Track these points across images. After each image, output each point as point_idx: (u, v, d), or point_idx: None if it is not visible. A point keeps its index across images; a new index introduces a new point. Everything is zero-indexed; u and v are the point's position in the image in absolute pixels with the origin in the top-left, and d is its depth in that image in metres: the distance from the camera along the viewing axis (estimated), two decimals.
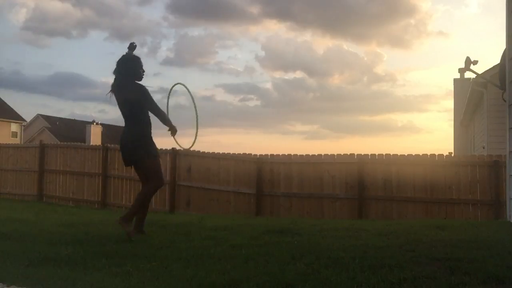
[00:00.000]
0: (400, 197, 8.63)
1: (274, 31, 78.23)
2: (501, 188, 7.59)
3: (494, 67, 9.80)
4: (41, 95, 76.18)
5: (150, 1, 78.31)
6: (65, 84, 76.48)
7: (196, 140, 4.67)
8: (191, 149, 4.96)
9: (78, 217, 7.06)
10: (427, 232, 4.44)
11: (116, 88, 4.46)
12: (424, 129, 69.04)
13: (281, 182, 9.61)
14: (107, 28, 78.15)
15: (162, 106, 4.63)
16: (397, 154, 8.98)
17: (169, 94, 4.88)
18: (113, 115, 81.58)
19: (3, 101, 39.05)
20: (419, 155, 8.79)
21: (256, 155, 10.01)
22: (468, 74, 13.40)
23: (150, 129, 4.50)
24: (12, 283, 2.59)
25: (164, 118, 4.51)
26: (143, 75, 4.55)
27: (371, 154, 9.13)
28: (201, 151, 10.57)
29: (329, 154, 9.44)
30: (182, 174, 10.61)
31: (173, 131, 4.54)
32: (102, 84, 78.52)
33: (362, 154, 9.18)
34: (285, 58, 74.89)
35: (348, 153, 9.29)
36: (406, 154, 8.91)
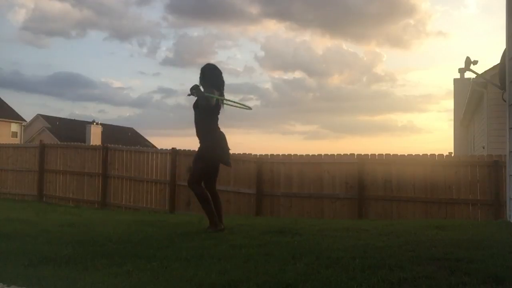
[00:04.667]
0: (400, 197, 8.63)
1: (274, 31, 78.36)
2: (501, 188, 7.59)
3: (494, 67, 9.80)
4: (41, 95, 76.20)
5: (149, 1, 78.41)
6: (64, 84, 76.56)
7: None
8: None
9: (78, 217, 7.06)
10: (427, 232, 4.43)
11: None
12: (424, 129, 69.17)
13: (281, 182, 9.61)
14: (107, 28, 78.27)
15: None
16: (397, 154, 8.99)
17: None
18: (113, 115, 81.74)
19: (3, 101, 39.06)
20: (419, 155, 8.80)
21: (256, 155, 10.02)
22: (468, 74, 13.42)
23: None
24: (12, 283, 2.59)
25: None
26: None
27: (371, 154, 9.14)
28: None
29: (329, 154, 9.45)
30: (182, 174, 10.60)
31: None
32: (102, 84, 78.69)
33: (362, 154, 9.19)
34: (284, 58, 75.00)
35: (348, 153, 9.29)
36: (406, 154, 8.91)
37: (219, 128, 4.78)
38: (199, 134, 4.72)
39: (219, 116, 4.78)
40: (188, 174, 4.97)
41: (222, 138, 4.77)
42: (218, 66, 4.91)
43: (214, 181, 4.91)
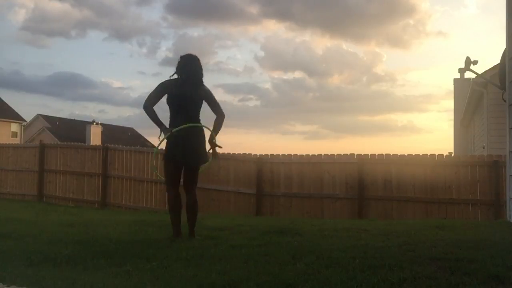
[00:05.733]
0: (400, 197, 8.63)
1: (274, 31, 78.38)
2: (501, 188, 7.58)
3: (494, 67, 9.80)
4: (40, 95, 76.23)
5: (149, 2, 78.41)
6: (64, 84, 76.59)
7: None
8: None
9: (78, 217, 7.07)
10: (427, 232, 4.44)
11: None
12: (424, 129, 69.16)
13: (281, 182, 9.61)
14: (106, 28, 78.29)
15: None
16: (397, 154, 8.98)
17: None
18: (113, 115, 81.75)
19: (3, 101, 39.02)
20: (419, 155, 8.80)
21: (256, 155, 10.01)
22: (468, 74, 13.41)
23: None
24: (12, 283, 2.59)
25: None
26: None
27: (371, 154, 9.13)
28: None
29: (329, 154, 9.45)
30: None
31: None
32: (102, 84, 78.70)
33: (362, 154, 9.19)
34: (284, 58, 75.00)
35: (348, 153, 9.29)
36: (406, 154, 8.91)
37: (183, 121, 4.17)
38: None
39: (180, 107, 4.22)
40: None
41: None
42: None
43: (187, 184, 4.34)
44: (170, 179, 4.33)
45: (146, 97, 4.29)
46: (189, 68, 4.29)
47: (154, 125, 4.34)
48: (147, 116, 4.28)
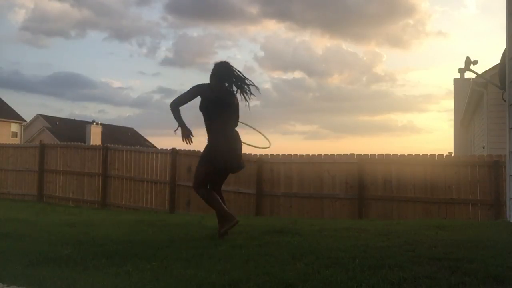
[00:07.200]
0: (400, 197, 8.63)
1: (273, 31, 78.49)
2: (501, 188, 7.58)
3: (494, 67, 9.80)
4: (40, 95, 76.28)
5: (149, 2, 78.47)
6: (64, 84, 76.63)
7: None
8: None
9: (78, 217, 7.07)
10: (427, 232, 4.43)
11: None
12: (424, 129, 69.21)
13: (281, 182, 9.61)
14: (106, 28, 78.38)
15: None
16: (397, 154, 8.98)
17: None
18: (113, 115, 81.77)
19: (3, 101, 39.01)
20: (419, 155, 8.79)
21: (256, 155, 10.01)
22: (468, 74, 13.42)
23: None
24: (12, 283, 2.58)
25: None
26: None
27: (371, 154, 9.13)
28: (201, 151, 10.56)
29: (329, 154, 9.45)
30: (182, 174, 10.61)
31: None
32: (102, 84, 78.75)
33: (362, 154, 9.19)
34: (284, 58, 75.09)
35: (348, 153, 9.29)
36: (406, 154, 8.91)
37: (228, 129, 4.42)
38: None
39: (229, 115, 4.41)
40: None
41: (227, 141, 4.39)
42: (211, 64, 4.66)
43: (220, 185, 4.67)
44: (206, 180, 4.48)
45: (178, 97, 4.32)
46: (229, 75, 4.38)
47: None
48: (172, 114, 4.33)
